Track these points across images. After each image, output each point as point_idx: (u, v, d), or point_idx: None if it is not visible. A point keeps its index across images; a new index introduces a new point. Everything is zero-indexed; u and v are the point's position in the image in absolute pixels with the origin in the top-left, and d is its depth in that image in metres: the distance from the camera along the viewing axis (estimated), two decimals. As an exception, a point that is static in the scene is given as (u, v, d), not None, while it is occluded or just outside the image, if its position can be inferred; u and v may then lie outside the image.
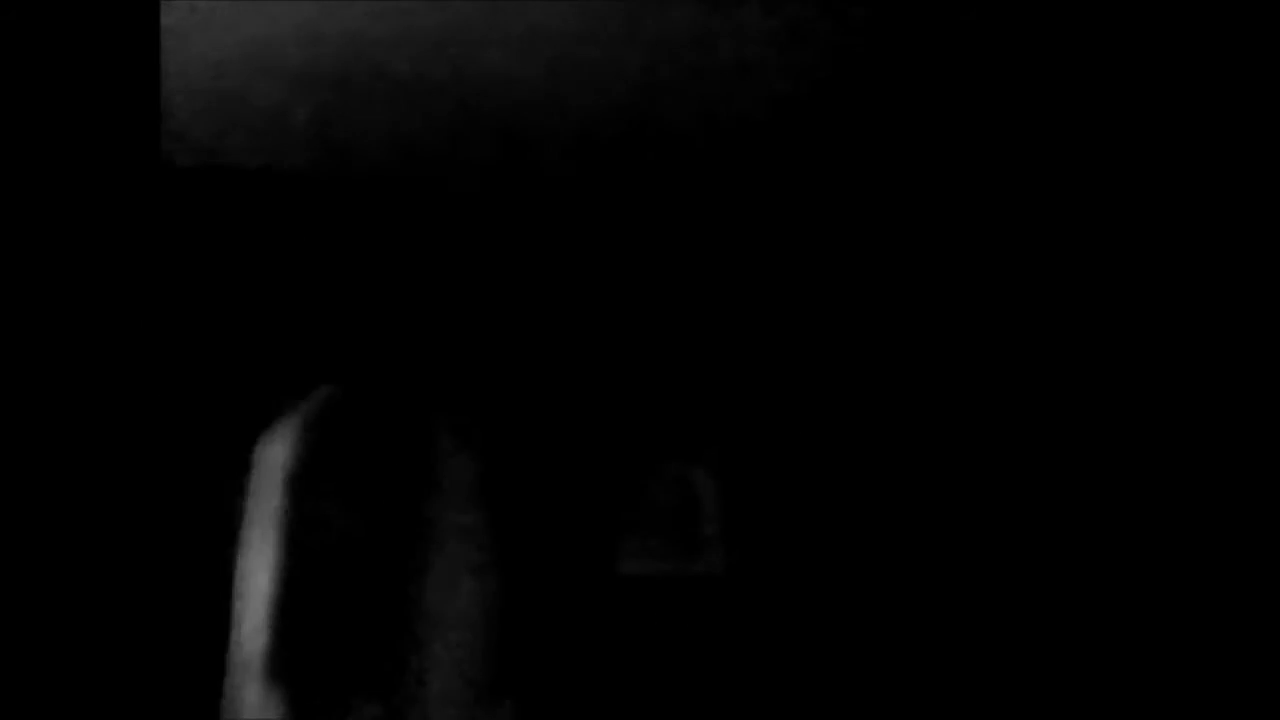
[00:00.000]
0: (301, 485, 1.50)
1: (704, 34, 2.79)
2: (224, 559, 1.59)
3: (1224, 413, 2.34)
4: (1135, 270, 3.27)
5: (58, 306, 1.24)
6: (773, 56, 2.79)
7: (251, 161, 2.92)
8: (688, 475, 3.29)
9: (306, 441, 1.51)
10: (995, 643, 3.39)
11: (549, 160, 2.96)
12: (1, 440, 1.15)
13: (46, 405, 1.21)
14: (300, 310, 3.15)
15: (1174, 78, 2.23)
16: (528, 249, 1.79)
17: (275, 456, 1.52)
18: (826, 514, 3.65)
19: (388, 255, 2.98)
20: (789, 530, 3.62)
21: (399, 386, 1.57)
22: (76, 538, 1.17)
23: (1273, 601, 2.30)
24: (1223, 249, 2.70)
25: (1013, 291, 3.65)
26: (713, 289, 3.67)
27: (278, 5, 2.43)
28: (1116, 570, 3.15)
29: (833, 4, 2.57)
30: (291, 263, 3.12)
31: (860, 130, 3.28)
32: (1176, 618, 2.75)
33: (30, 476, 1.16)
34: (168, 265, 2.86)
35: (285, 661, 1.44)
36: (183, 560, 2.88)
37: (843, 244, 3.65)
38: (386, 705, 1.46)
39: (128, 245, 1.29)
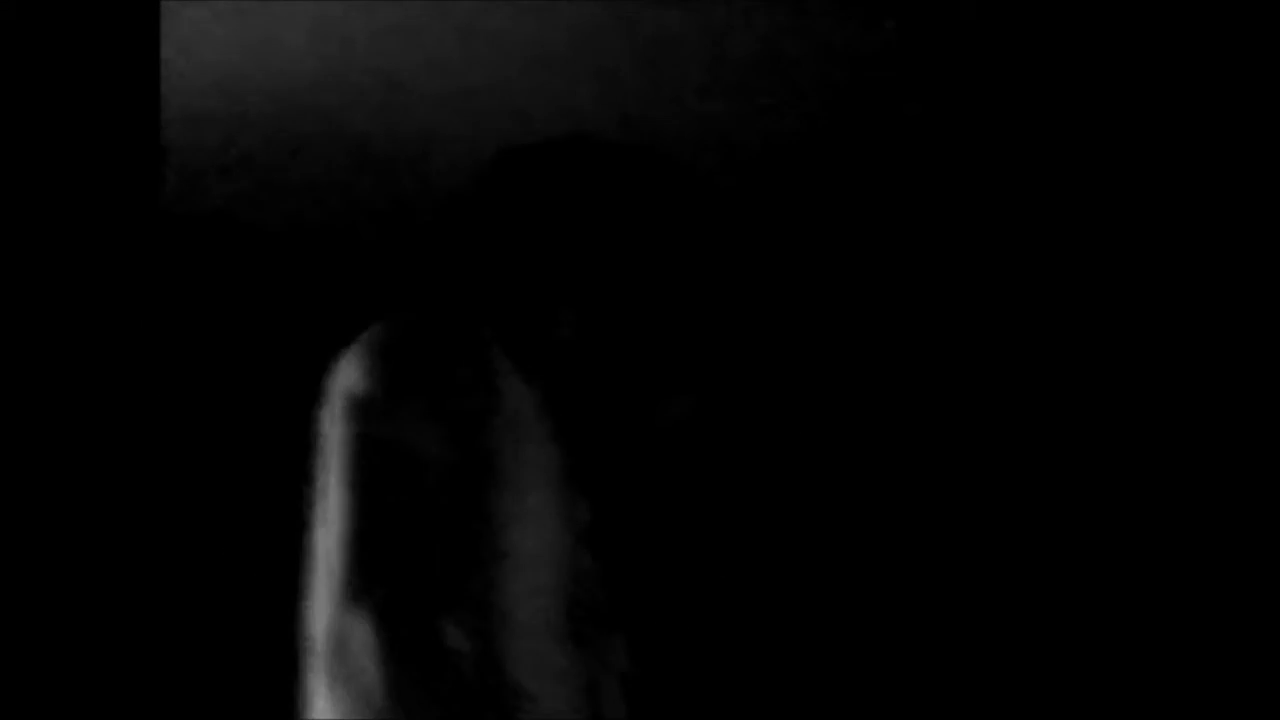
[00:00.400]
0: (367, 406, 1.50)
1: (635, 112, 2.84)
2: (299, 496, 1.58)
3: (1221, 411, 2.35)
4: (1113, 267, 3.27)
5: (59, 304, 1.24)
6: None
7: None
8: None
9: (371, 364, 1.51)
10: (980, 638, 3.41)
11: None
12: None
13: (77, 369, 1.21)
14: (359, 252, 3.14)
15: (1193, 91, 2.23)
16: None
17: (342, 382, 1.53)
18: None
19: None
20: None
21: (459, 315, 1.59)
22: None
23: (1273, 600, 2.30)
24: (1223, 246, 2.71)
25: (999, 289, 3.65)
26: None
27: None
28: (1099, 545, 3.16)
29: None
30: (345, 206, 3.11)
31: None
32: (1152, 608, 2.75)
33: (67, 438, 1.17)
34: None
35: (365, 582, 1.45)
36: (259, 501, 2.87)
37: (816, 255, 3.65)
38: (474, 637, 1.47)
39: (129, 250, 1.29)
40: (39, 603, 1.15)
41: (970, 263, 3.60)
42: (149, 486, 1.36)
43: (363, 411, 1.51)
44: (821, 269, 3.71)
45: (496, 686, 1.47)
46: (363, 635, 1.42)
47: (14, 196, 1.23)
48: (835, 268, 3.71)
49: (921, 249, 3.66)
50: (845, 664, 3.65)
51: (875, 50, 2.82)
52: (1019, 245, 3.52)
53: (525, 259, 1.63)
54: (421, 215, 3.22)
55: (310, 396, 1.57)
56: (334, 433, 1.52)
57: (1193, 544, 2.58)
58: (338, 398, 1.51)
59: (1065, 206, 3.43)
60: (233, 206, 3.09)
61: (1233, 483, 1.13)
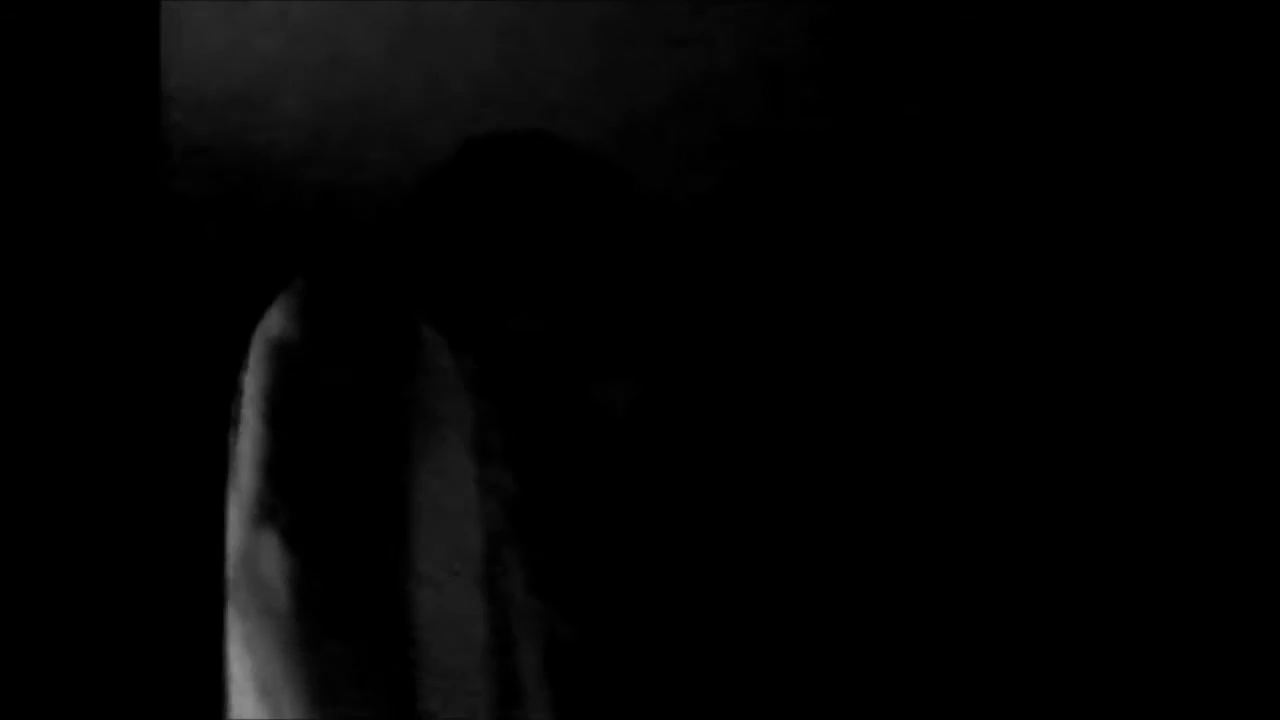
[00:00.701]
0: (286, 348, 1.53)
1: (629, 105, 2.84)
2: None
3: (1221, 411, 2.34)
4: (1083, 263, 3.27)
5: (59, 298, 1.25)
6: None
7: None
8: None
9: (292, 309, 1.55)
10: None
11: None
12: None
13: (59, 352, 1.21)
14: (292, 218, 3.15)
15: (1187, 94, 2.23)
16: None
17: (265, 326, 1.55)
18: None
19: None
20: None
21: (389, 284, 1.62)
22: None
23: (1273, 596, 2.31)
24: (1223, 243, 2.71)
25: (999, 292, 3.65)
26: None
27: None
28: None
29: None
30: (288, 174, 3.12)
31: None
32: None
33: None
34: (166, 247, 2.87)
35: (274, 502, 1.46)
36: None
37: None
38: (380, 578, 1.48)
39: (128, 242, 1.30)
40: (41, 590, 1.15)
41: (958, 262, 3.60)
42: (155, 476, 1.36)
43: (281, 352, 1.53)
44: (809, 267, 3.70)
45: (399, 629, 1.47)
46: (270, 554, 1.42)
47: (13, 197, 1.23)
48: (823, 265, 3.71)
49: (911, 247, 3.66)
50: (788, 658, 3.65)
51: (875, 52, 2.81)
52: (1010, 244, 3.52)
53: (470, 247, 1.66)
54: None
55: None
56: (255, 374, 1.53)
57: (1192, 543, 2.59)
58: (259, 342, 1.54)
59: (1059, 206, 3.44)
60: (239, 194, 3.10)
61: (1233, 483, 1.13)
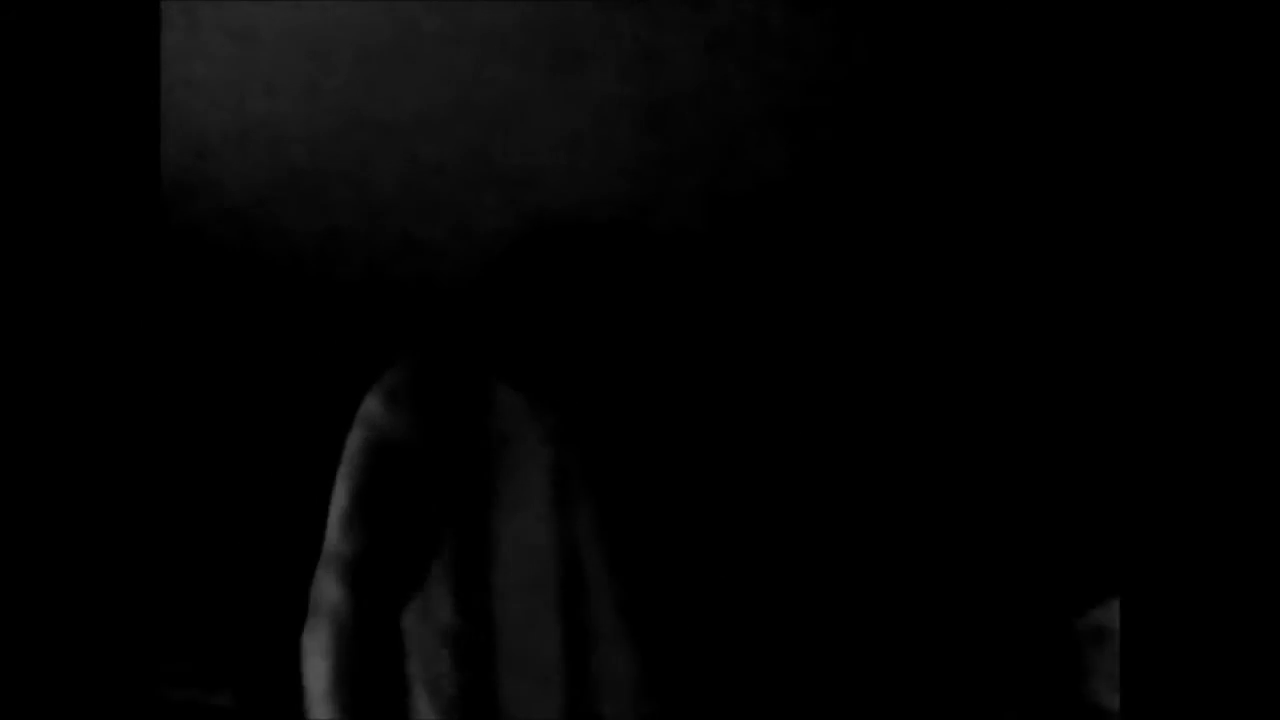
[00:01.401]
0: (372, 419, 1.76)
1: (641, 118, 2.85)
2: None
3: (1220, 411, 2.35)
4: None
5: (57, 309, 1.24)
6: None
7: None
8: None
9: (383, 392, 1.77)
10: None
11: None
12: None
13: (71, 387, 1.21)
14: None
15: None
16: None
17: (362, 408, 1.78)
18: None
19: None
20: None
21: (464, 355, 1.83)
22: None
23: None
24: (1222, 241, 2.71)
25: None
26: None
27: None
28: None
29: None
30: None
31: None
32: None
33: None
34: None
35: (338, 547, 1.68)
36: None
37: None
38: (462, 613, 1.67)
39: (127, 252, 1.30)
40: (39, 609, 1.15)
41: (933, 268, 3.61)
42: (168, 492, 1.38)
43: (368, 422, 1.77)
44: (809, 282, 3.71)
45: (480, 637, 1.66)
46: (329, 590, 1.63)
47: (12, 199, 1.23)
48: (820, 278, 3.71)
49: (895, 250, 3.66)
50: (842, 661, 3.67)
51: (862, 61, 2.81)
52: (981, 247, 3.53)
53: (544, 320, 1.90)
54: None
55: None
56: (349, 442, 1.77)
57: (1192, 543, 2.59)
58: (358, 423, 1.77)
59: (1056, 228, 3.44)
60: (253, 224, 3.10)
61: (1232, 483, 1.13)
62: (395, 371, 1.77)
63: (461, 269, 3.08)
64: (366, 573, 1.65)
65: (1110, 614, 3.34)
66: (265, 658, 3.11)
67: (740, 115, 2.87)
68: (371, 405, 1.75)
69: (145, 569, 1.24)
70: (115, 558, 1.21)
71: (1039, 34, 2.87)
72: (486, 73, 2.68)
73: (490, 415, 1.75)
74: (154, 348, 3.16)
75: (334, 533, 1.68)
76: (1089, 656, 3.43)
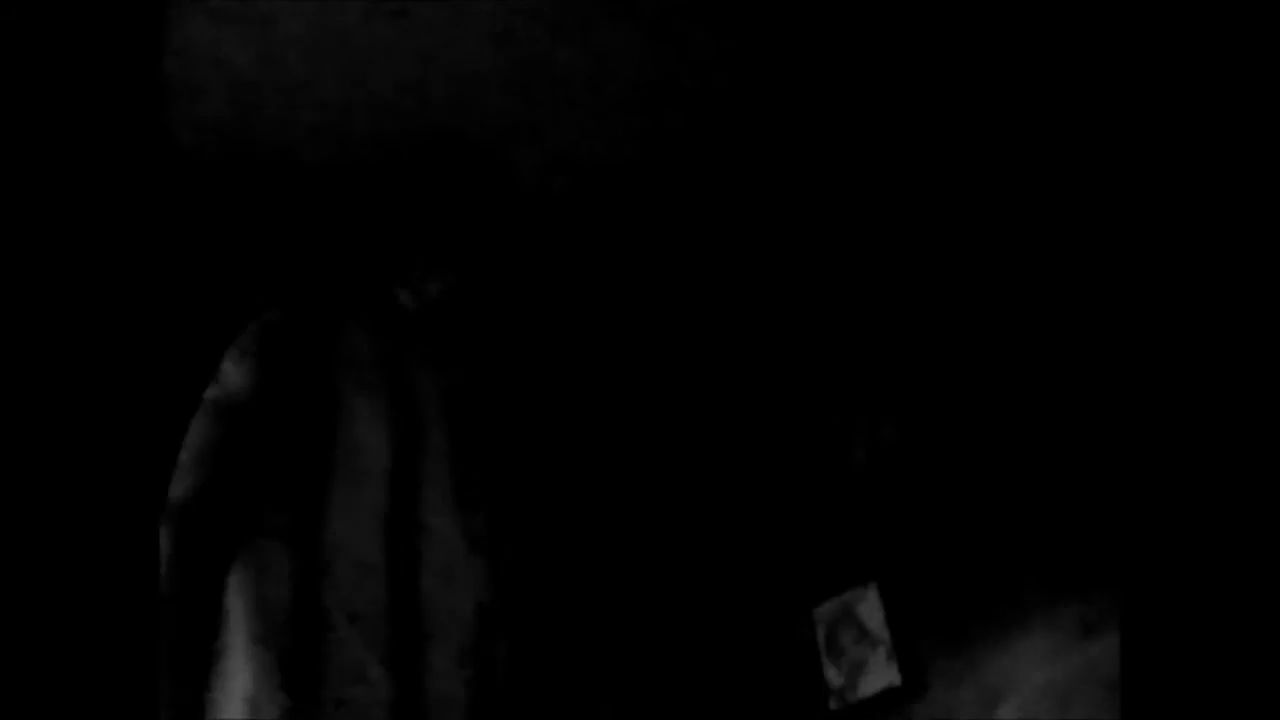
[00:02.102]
0: (223, 379, 1.78)
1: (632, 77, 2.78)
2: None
3: (1221, 411, 2.34)
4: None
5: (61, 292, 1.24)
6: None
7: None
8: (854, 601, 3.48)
9: (236, 347, 1.81)
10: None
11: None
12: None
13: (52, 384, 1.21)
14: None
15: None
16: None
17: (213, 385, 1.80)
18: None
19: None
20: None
21: (322, 303, 1.84)
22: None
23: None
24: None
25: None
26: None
27: None
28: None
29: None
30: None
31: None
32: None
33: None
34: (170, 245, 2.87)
35: (174, 505, 1.70)
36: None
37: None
38: (298, 539, 1.69)
39: (131, 232, 1.29)
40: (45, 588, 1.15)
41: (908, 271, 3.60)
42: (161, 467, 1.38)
43: (217, 381, 1.77)
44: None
45: (317, 568, 1.67)
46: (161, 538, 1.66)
47: (13, 199, 1.23)
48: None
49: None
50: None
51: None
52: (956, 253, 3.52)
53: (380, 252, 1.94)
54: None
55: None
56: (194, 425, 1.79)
57: (1192, 543, 2.58)
58: (213, 381, 1.80)
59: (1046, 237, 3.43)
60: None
61: (1233, 483, 1.13)
62: (247, 330, 1.80)
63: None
64: (189, 518, 1.66)
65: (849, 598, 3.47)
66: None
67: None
68: (223, 364, 1.78)
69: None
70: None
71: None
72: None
73: (335, 365, 1.76)
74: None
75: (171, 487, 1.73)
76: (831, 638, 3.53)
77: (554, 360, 3.53)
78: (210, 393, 1.75)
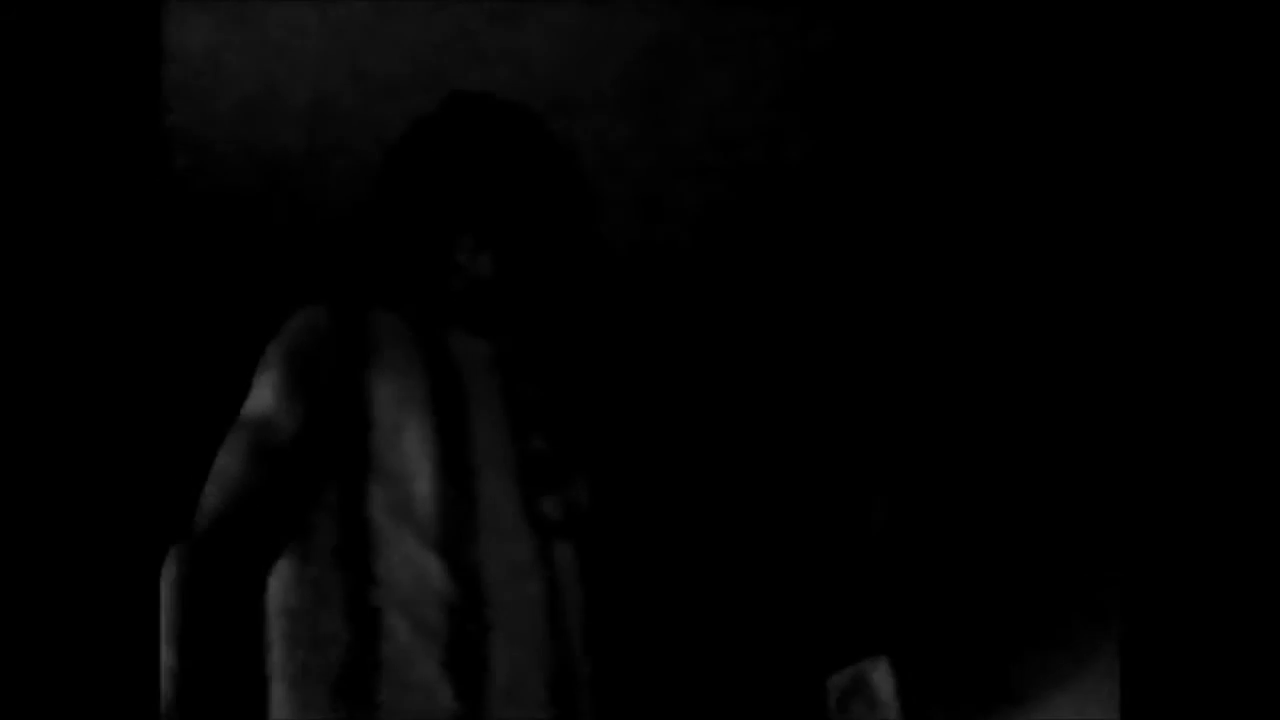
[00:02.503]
0: (251, 398, 1.71)
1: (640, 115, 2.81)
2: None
3: (1221, 412, 2.32)
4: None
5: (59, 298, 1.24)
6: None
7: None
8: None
9: (263, 368, 1.72)
10: None
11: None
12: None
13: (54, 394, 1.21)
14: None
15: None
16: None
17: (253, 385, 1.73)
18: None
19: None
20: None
21: (345, 304, 1.77)
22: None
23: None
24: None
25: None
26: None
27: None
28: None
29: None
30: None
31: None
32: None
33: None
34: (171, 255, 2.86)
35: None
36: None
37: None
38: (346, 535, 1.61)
39: (131, 238, 1.29)
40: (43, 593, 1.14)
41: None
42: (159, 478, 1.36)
43: (248, 410, 1.69)
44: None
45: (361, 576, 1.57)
46: (168, 569, 1.52)
47: (12, 200, 1.23)
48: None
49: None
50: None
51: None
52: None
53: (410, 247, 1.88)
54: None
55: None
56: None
57: (1192, 544, 2.55)
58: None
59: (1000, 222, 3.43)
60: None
61: (1233, 483, 1.11)
62: (276, 344, 1.71)
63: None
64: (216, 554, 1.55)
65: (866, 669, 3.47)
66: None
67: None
68: (254, 386, 1.69)
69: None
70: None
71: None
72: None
73: (369, 367, 1.68)
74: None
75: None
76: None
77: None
78: (244, 420, 1.65)
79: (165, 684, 1.40)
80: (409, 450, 1.61)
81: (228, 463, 1.60)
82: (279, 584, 1.59)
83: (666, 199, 3.24)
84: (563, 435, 1.78)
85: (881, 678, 3.50)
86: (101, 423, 1.23)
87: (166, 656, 1.42)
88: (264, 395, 1.65)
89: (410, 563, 1.55)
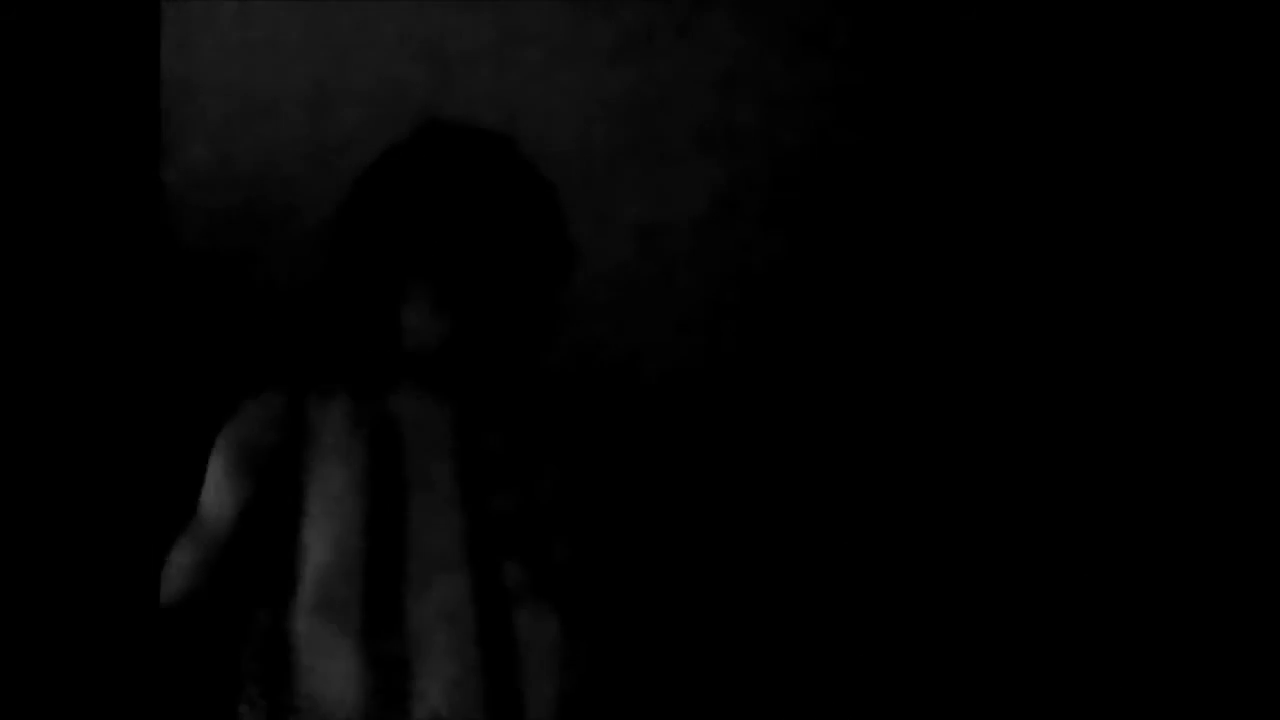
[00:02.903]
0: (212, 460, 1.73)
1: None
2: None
3: (1221, 412, 2.31)
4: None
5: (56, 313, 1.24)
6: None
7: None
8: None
9: (218, 447, 1.75)
10: None
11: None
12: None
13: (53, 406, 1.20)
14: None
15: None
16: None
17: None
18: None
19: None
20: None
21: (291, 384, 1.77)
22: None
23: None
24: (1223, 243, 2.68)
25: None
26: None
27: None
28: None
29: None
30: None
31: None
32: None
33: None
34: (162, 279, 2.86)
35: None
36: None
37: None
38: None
39: (126, 257, 1.29)
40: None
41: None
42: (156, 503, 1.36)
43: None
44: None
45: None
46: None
47: (12, 202, 1.23)
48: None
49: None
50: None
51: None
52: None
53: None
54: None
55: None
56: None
57: (1191, 545, 2.54)
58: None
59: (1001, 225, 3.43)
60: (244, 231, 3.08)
61: (1233, 483, 1.11)
62: (222, 440, 1.72)
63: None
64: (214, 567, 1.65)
65: None
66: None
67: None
68: (205, 486, 1.72)
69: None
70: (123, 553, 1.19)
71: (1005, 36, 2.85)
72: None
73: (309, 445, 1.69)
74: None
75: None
76: None
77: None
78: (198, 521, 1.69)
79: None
80: (338, 539, 1.62)
81: (174, 551, 1.68)
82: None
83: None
84: (531, 490, 1.70)
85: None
86: (101, 423, 1.22)
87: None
88: (206, 485, 1.69)
89: (334, 660, 1.59)
